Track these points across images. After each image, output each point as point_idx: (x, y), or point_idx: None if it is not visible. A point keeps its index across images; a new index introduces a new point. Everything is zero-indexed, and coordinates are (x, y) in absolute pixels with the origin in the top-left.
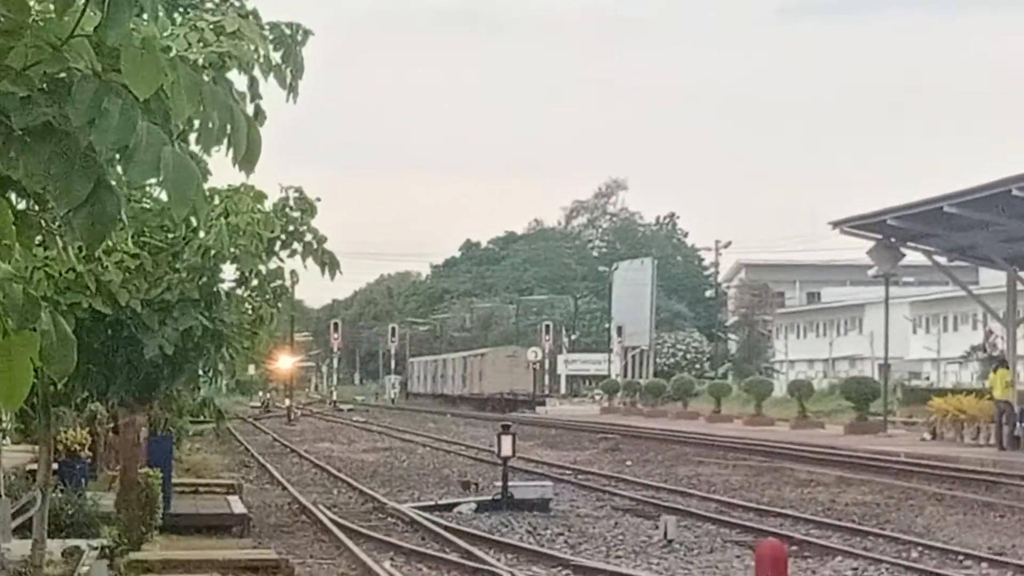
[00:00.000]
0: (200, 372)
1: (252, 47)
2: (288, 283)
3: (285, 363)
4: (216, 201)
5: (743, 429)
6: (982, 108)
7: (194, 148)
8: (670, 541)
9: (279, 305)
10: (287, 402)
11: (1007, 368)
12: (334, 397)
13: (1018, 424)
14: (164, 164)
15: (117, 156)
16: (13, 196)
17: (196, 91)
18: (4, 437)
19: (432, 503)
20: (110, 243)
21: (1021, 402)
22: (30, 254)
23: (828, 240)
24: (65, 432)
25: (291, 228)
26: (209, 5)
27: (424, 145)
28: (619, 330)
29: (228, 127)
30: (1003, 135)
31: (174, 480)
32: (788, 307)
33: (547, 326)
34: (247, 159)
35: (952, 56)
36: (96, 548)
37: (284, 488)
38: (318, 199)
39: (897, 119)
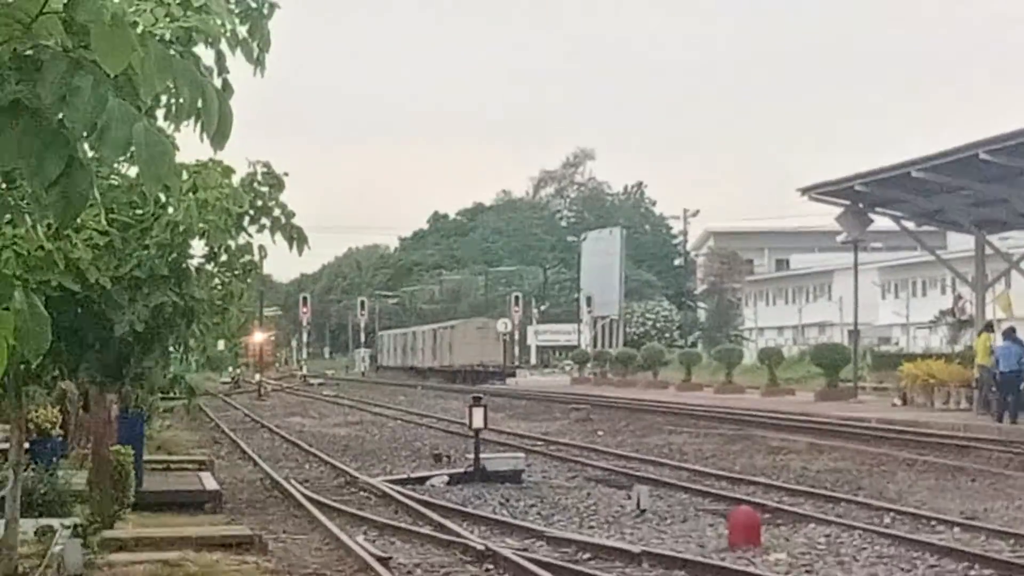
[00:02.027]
0: (171, 349)
1: (219, 21)
2: (257, 258)
3: (257, 338)
4: (185, 177)
5: (714, 397)
6: (950, 71)
7: (161, 123)
8: (643, 511)
9: (249, 280)
10: (257, 377)
11: (992, 333)
12: (304, 371)
13: (991, 390)
14: (136, 140)
15: (88, 133)
16: None
17: (167, 66)
18: None
19: (404, 476)
20: (80, 220)
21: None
22: None
23: (797, 207)
24: (36, 411)
25: (259, 203)
26: None
27: (389, 116)
28: (588, 300)
29: (199, 102)
30: (971, 97)
31: (145, 457)
32: (757, 275)
33: (516, 297)
34: (219, 134)
35: (921, 19)
36: (69, 527)
37: (256, 464)
38: (286, 173)
39: (865, 84)
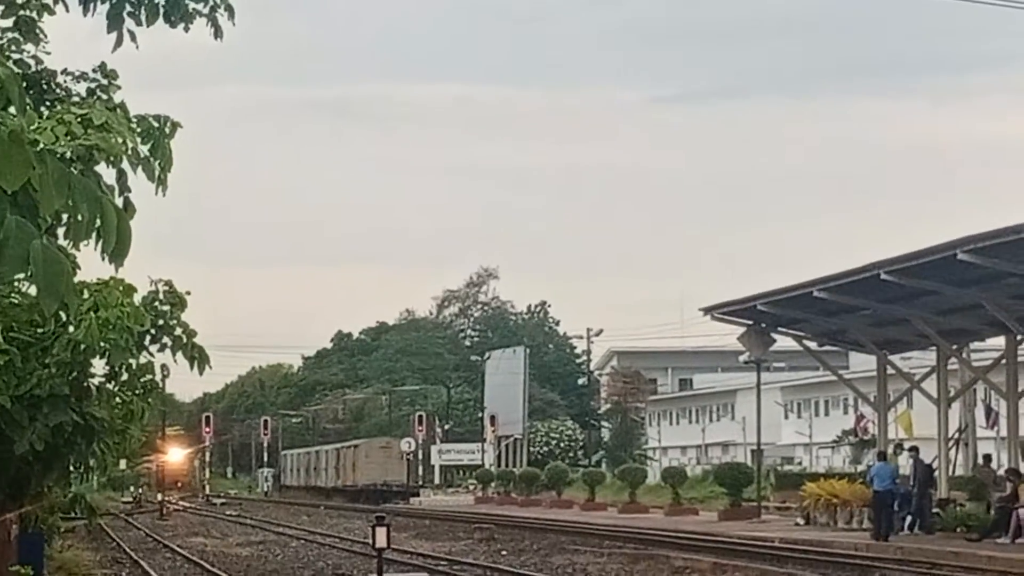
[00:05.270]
0: (71, 468)
1: (120, 140)
2: (159, 377)
3: (175, 455)
4: (86, 295)
5: (618, 517)
6: (849, 192)
7: (63, 242)
8: None
9: (150, 400)
10: (159, 497)
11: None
12: (207, 491)
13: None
14: (34, 258)
15: None
16: None
17: (65, 184)
18: None
19: None
20: None
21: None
22: None
23: (699, 326)
24: None
25: (161, 322)
26: (76, 98)
27: (292, 236)
28: (492, 419)
29: (97, 220)
30: (869, 218)
31: None
32: (660, 394)
33: (420, 416)
34: (117, 252)
35: (816, 141)
36: None
37: None
38: (188, 292)
39: (763, 205)
